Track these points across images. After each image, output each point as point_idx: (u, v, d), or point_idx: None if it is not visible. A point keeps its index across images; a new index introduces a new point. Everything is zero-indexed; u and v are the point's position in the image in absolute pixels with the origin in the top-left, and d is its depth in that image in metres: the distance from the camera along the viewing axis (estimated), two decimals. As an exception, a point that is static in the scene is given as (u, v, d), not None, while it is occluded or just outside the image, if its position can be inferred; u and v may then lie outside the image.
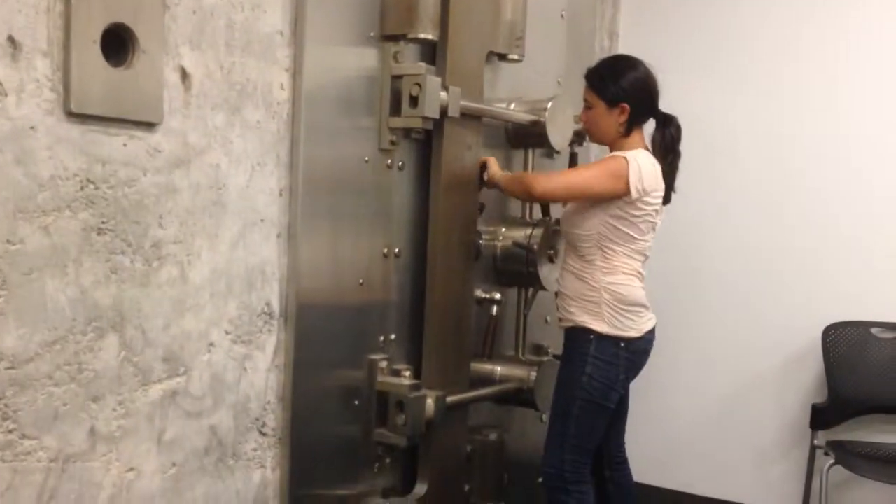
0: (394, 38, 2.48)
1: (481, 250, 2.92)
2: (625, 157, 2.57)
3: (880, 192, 3.42)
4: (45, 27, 1.70)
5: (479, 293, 2.91)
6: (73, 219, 1.77)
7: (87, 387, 1.83)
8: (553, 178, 2.68)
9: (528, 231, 2.96)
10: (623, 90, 2.63)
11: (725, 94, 3.70)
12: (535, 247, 2.91)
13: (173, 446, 2.03)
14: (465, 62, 2.68)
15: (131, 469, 1.94)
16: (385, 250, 2.57)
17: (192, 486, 2.09)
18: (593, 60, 2.82)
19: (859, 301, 3.44)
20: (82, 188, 1.79)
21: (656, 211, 2.64)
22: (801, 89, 3.56)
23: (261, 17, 2.15)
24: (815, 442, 3.40)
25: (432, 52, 2.60)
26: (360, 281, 2.48)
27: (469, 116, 2.68)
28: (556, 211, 2.96)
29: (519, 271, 2.97)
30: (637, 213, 2.60)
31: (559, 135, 2.99)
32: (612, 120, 2.65)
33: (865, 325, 3.42)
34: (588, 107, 2.71)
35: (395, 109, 2.48)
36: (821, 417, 3.38)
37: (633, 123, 2.66)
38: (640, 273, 2.69)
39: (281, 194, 2.25)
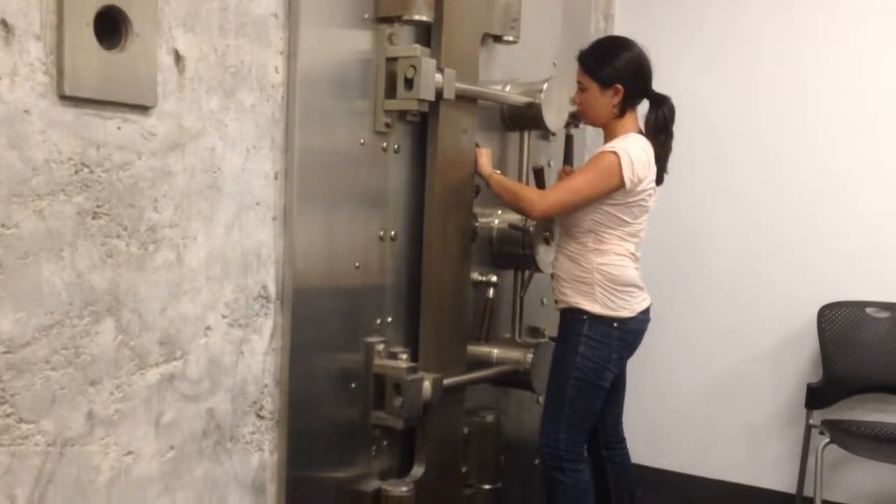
0: (388, 20, 2.47)
1: (477, 233, 2.92)
2: (614, 152, 2.56)
3: (875, 173, 3.43)
4: (38, 10, 1.69)
5: (476, 276, 2.92)
6: (67, 203, 1.77)
7: (84, 370, 1.83)
8: (548, 197, 2.65)
9: (524, 213, 2.96)
10: (617, 71, 2.62)
11: (720, 76, 3.70)
12: (532, 229, 2.91)
13: (171, 430, 2.03)
14: (461, 44, 2.67)
15: (129, 452, 1.95)
16: (381, 233, 2.57)
17: (191, 469, 2.10)
18: (588, 42, 2.80)
19: (854, 281, 3.45)
20: (77, 172, 1.78)
21: (649, 195, 2.64)
22: (796, 70, 3.56)
23: (254, 0, 2.15)
24: (811, 421, 3.42)
25: (427, 34, 2.59)
26: (357, 264, 2.48)
27: (464, 99, 2.67)
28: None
29: (515, 253, 2.98)
30: (631, 199, 2.60)
31: (555, 117, 2.98)
32: (606, 101, 2.65)
33: (860, 305, 3.44)
34: (581, 89, 2.70)
35: (391, 92, 2.48)
36: (816, 397, 3.40)
37: (627, 105, 2.66)
38: (633, 254, 2.69)
39: (276, 177, 2.25)
